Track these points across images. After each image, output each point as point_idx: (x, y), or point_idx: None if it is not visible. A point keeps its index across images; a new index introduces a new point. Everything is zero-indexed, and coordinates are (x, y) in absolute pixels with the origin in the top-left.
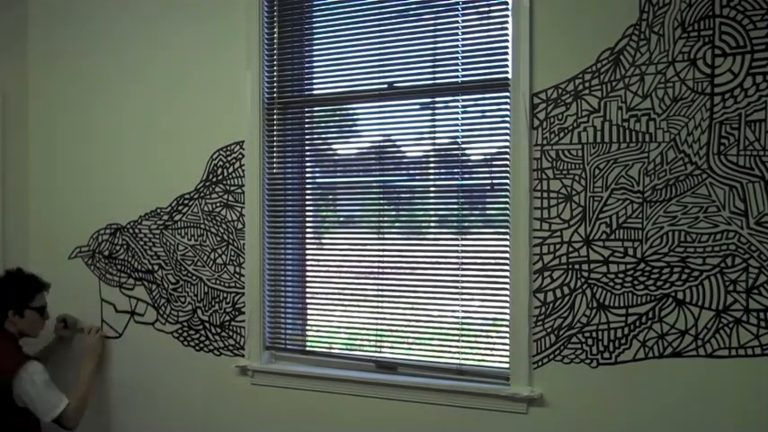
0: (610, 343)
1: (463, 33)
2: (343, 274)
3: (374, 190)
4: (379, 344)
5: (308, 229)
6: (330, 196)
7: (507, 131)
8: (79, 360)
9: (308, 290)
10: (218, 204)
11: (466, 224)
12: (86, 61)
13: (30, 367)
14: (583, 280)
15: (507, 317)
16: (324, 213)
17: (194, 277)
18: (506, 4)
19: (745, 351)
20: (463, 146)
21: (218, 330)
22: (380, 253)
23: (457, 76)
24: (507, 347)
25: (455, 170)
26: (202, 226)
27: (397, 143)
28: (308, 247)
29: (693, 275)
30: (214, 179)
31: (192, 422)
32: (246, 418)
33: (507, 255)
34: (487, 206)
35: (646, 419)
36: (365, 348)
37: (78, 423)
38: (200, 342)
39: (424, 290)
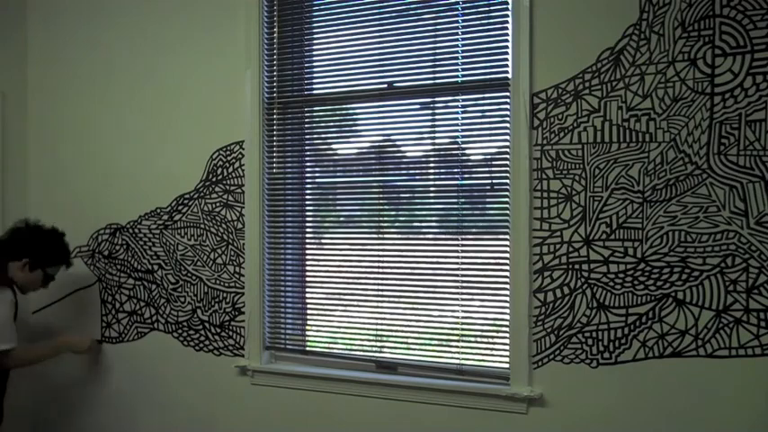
0: (610, 343)
1: (463, 33)
2: (343, 275)
3: (374, 190)
4: (379, 344)
5: (307, 229)
6: (330, 196)
7: (507, 131)
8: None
9: (307, 290)
10: (217, 204)
11: (466, 224)
12: (86, 61)
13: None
14: (583, 280)
15: (507, 317)
16: (324, 213)
17: (194, 277)
18: (506, 4)
19: (745, 351)
20: (463, 146)
21: (218, 330)
22: (380, 253)
23: (457, 76)
24: (507, 347)
25: (455, 170)
26: (202, 226)
27: (397, 143)
28: (307, 247)
29: (693, 275)
30: (214, 179)
31: (191, 422)
32: (246, 417)
33: (507, 255)
34: (487, 206)
35: (646, 419)
36: (365, 348)
37: (12, 368)
38: (200, 342)
39: (424, 290)
